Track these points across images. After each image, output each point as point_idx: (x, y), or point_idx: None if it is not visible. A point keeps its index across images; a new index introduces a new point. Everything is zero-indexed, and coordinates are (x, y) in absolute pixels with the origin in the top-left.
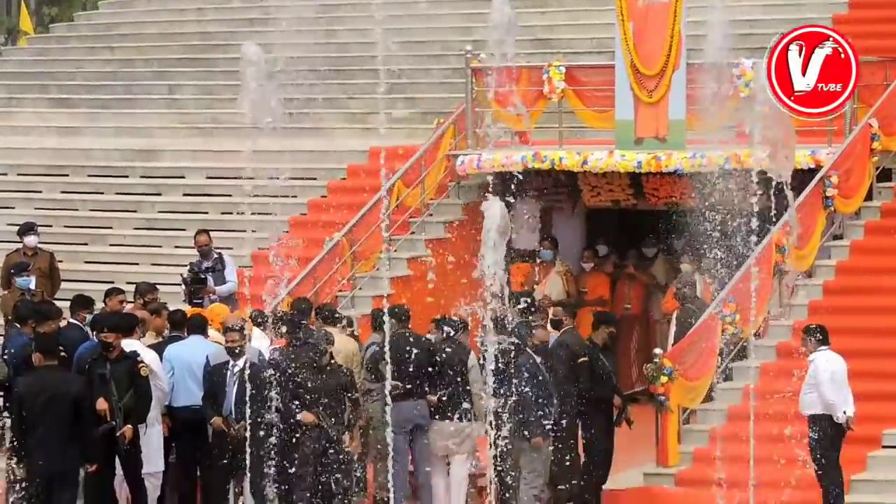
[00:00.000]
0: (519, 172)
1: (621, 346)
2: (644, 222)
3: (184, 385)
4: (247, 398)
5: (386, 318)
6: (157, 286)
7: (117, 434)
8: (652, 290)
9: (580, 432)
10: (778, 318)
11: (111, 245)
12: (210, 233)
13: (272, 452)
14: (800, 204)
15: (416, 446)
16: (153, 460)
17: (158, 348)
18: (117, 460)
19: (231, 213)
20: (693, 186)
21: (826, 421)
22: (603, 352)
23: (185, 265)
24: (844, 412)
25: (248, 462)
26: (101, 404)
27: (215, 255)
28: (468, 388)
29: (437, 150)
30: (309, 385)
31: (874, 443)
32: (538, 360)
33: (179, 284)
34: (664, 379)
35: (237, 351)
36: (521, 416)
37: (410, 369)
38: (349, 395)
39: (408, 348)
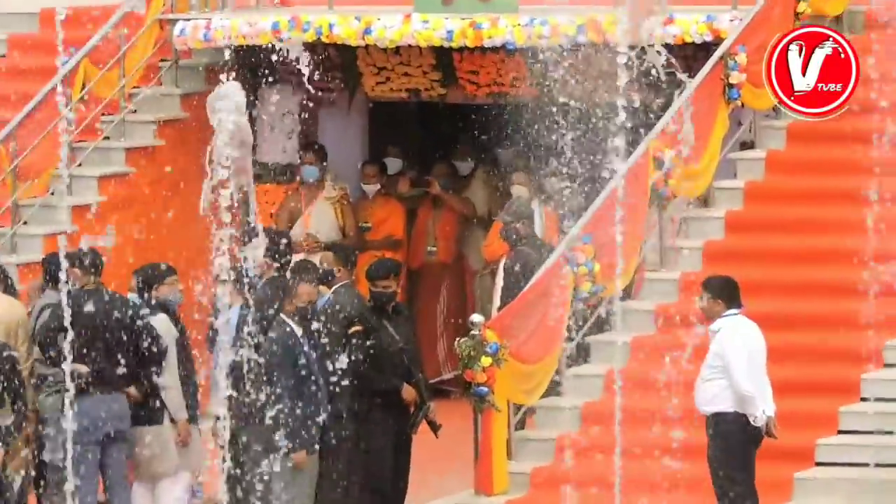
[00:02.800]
0: (267, 46)
1: (422, 309)
2: (456, 123)
3: None
4: None
5: (65, 267)
6: None
7: None
8: (468, 224)
9: (360, 443)
10: (657, 269)
11: None
12: None
13: None
14: (689, 96)
15: (111, 462)
16: None
17: None
18: None
19: None
20: (530, 69)
21: (736, 423)
22: (390, 318)
23: None
24: (764, 411)
25: None
26: None
27: None
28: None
29: (146, 11)
30: None
31: (804, 458)
32: (298, 331)
33: None
34: (486, 361)
35: None
36: (272, 417)
37: (103, 346)
38: (7, 386)
39: (99, 314)
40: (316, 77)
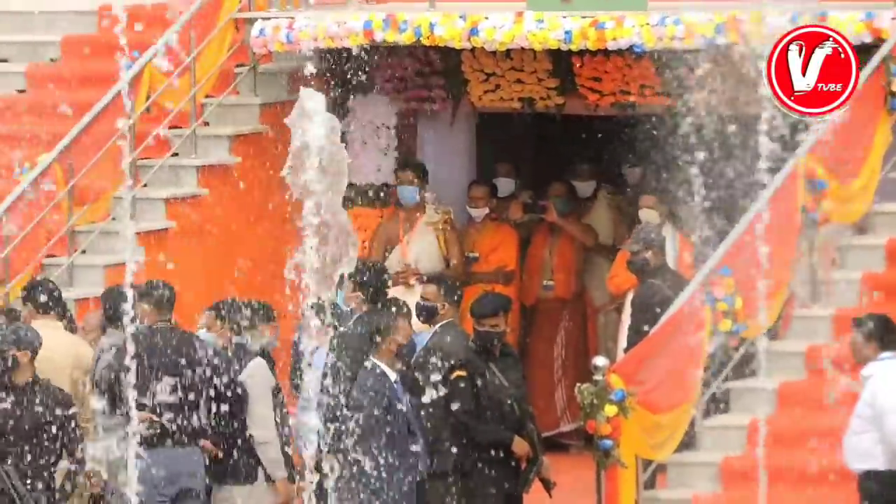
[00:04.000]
0: (360, 49)
1: (537, 352)
2: (575, 138)
3: None
4: None
5: (131, 301)
6: None
7: None
8: (589, 254)
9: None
10: (808, 305)
11: None
12: None
13: None
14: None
15: None
16: None
17: None
18: None
19: None
20: (660, 75)
21: (890, 483)
22: (497, 361)
23: None
24: None
25: None
26: None
27: None
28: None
29: (217, 10)
30: None
31: None
32: (393, 376)
33: None
34: (611, 410)
35: None
36: (362, 475)
37: (177, 392)
38: (64, 436)
39: (170, 354)
40: (415, 85)
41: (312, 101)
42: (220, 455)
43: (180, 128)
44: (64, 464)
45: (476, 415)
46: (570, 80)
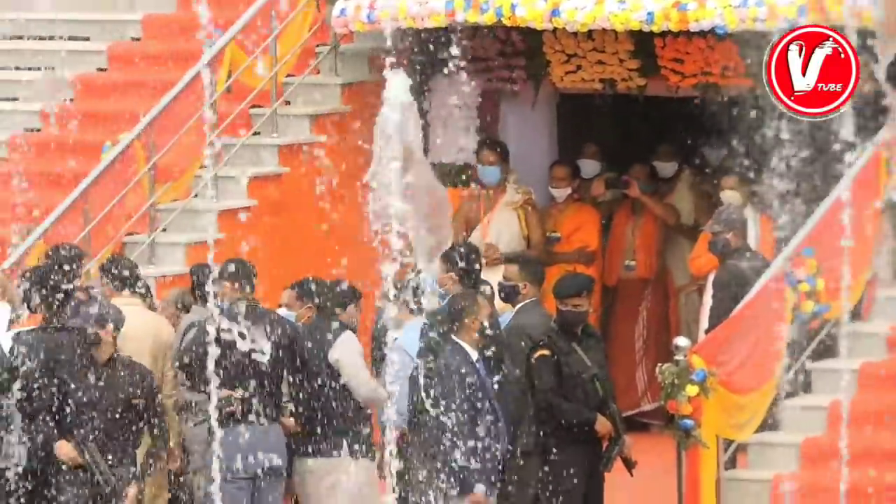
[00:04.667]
0: (441, 30)
1: (618, 332)
2: (657, 119)
3: None
4: None
5: (212, 280)
6: None
7: None
8: (671, 235)
9: (546, 483)
10: (891, 285)
11: None
12: None
13: None
14: None
15: (264, 502)
16: None
17: None
18: None
19: None
20: (743, 56)
21: None
22: (580, 341)
23: None
24: None
25: None
26: None
27: None
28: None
29: None
30: (78, 395)
31: None
32: (475, 355)
33: None
34: (692, 390)
35: None
36: (445, 453)
37: (258, 369)
38: (146, 413)
39: (251, 332)
40: (496, 65)
41: (396, 81)
42: (301, 431)
43: (261, 107)
44: (146, 441)
45: (559, 394)
46: (652, 62)
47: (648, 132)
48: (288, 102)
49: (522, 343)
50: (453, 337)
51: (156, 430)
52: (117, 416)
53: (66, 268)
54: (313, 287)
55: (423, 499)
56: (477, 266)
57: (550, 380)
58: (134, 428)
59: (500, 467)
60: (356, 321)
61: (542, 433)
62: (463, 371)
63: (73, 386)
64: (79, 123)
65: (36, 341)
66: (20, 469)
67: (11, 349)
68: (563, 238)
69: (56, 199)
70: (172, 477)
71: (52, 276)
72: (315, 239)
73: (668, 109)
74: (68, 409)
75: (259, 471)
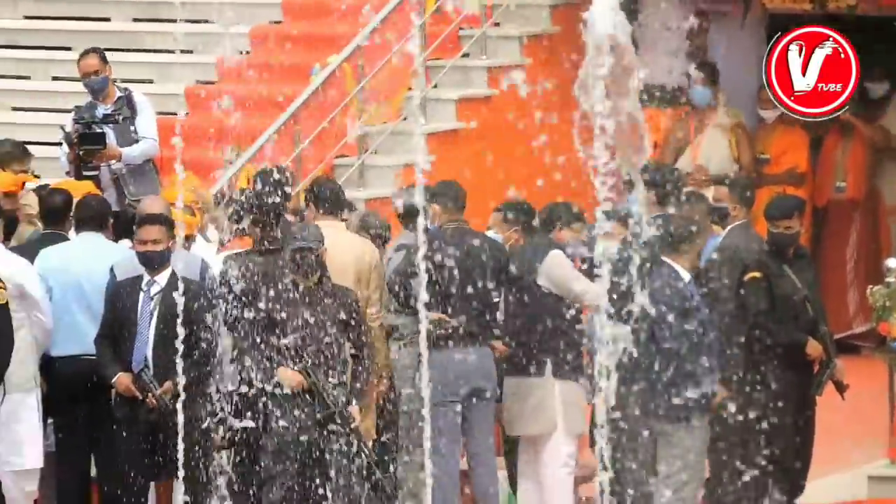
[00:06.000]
0: None
1: (829, 253)
2: (868, 39)
3: (68, 319)
4: (177, 343)
5: (421, 202)
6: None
7: None
8: (882, 155)
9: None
10: None
11: None
12: (105, 54)
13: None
14: None
15: (474, 425)
16: (24, 450)
17: (26, 253)
18: None
19: (146, 22)
20: None
21: None
22: (791, 263)
23: (69, 110)
24: None
25: (180, 455)
26: None
27: (119, 94)
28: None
29: None
30: (288, 320)
31: None
32: (686, 276)
33: (59, 143)
34: None
35: (157, 258)
36: (654, 376)
37: (468, 291)
38: (356, 337)
39: (462, 255)
40: None
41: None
42: (509, 352)
43: (471, 28)
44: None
45: (771, 316)
46: None
47: (860, 52)
48: (497, 24)
49: (733, 265)
50: (665, 259)
51: (362, 353)
52: (328, 337)
53: (277, 190)
54: (517, 209)
55: (630, 427)
56: (677, 187)
57: (762, 302)
58: (341, 349)
59: (713, 388)
60: (578, 247)
61: (753, 356)
62: (675, 294)
63: (286, 308)
64: (290, 47)
65: (247, 263)
66: (251, 391)
67: (223, 272)
68: (772, 159)
69: (265, 124)
70: (381, 400)
71: (262, 199)
72: (524, 161)
73: (879, 29)
74: (280, 333)
75: (469, 394)
